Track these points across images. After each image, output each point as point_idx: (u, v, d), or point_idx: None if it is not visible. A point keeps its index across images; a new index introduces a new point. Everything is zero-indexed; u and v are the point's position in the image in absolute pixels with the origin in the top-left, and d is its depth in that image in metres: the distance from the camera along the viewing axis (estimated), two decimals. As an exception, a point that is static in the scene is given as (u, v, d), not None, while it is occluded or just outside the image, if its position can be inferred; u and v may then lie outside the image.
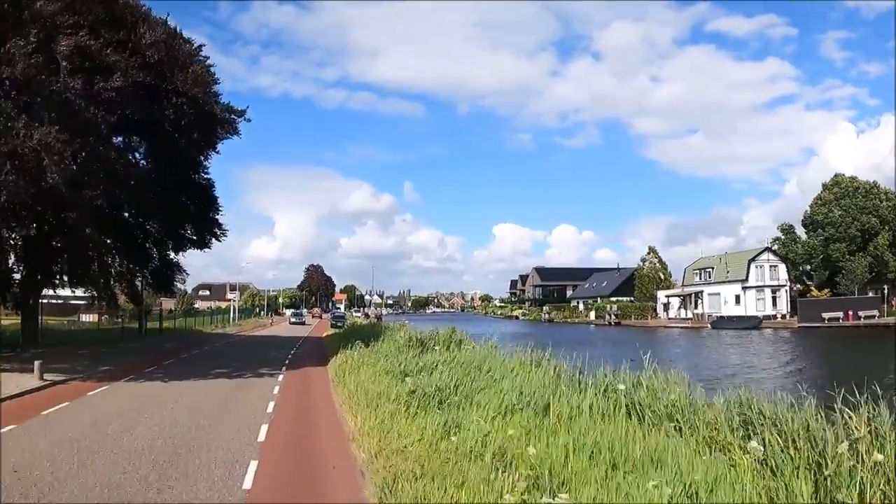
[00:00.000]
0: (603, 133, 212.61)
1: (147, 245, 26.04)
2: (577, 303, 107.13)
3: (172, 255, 28.03)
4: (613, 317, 79.87)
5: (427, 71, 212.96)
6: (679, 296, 79.15)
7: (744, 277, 70.81)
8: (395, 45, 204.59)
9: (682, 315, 76.15)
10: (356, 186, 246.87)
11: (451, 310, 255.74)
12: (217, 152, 24.77)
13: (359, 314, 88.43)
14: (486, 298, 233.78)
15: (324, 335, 42.61)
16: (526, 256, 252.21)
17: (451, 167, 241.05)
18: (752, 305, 69.44)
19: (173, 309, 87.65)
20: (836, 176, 70.63)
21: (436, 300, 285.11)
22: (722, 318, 67.61)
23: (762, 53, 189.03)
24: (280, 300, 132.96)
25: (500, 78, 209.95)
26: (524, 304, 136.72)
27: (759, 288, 70.21)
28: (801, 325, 60.58)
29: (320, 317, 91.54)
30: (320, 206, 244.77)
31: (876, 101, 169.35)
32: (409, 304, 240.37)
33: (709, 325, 67.09)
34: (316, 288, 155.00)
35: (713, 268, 76.29)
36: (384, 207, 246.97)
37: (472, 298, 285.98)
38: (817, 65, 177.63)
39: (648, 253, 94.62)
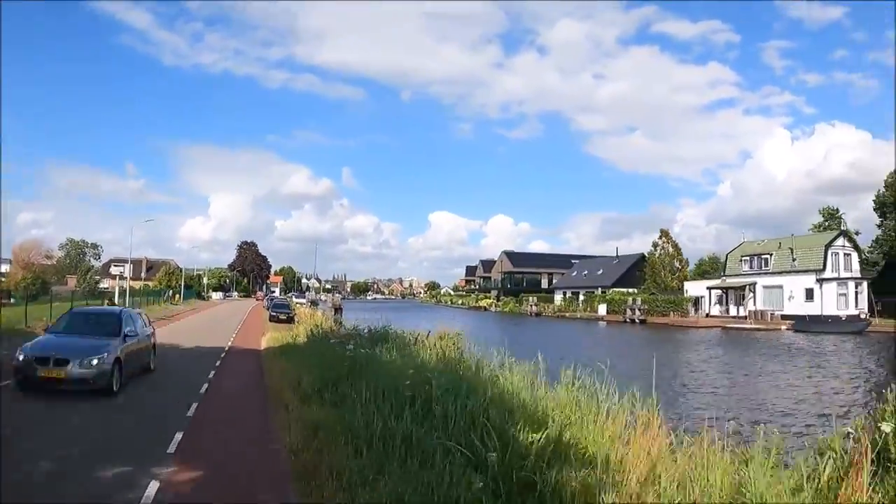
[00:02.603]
0: (545, 126, 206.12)
1: None
2: (565, 293, 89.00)
3: None
4: (638, 312, 61.58)
5: (372, 57, 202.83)
6: (721, 288, 61.78)
7: (820, 267, 54.01)
8: (342, 29, 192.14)
9: (732, 312, 58.76)
10: (295, 170, 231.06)
11: (392, 297, 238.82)
12: None
13: (301, 301, 66.26)
14: (434, 286, 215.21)
15: (262, 349, 21.75)
16: (461, 245, 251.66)
17: (390, 154, 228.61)
18: (832, 302, 52.65)
19: (75, 289, 63.07)
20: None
21: (375, 286, 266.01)
22: (803, 318, 50.60)
23: (705, 57, 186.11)
24: (205, 281, 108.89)
25: (446, 67, 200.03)
26: (489, 293, 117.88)
27: (841, 280, 53.50)
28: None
29: (262, 300, 79.43)
30: (258, 188, 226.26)
31: (812, 110, 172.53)
32: (349, 290, 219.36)
33: (783, 328, 49.96)
34: (249, 268, 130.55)
35: (770, 254, 59.18)
36: (322, 192, 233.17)
37: (412, 285, 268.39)
38: (758, 71, 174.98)
39: (660, 237, 77.62)
